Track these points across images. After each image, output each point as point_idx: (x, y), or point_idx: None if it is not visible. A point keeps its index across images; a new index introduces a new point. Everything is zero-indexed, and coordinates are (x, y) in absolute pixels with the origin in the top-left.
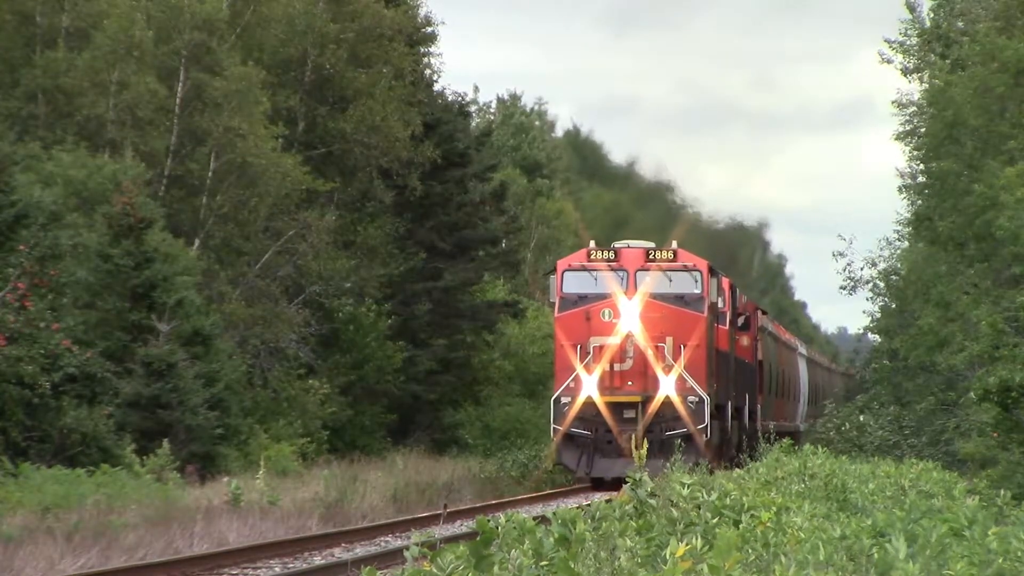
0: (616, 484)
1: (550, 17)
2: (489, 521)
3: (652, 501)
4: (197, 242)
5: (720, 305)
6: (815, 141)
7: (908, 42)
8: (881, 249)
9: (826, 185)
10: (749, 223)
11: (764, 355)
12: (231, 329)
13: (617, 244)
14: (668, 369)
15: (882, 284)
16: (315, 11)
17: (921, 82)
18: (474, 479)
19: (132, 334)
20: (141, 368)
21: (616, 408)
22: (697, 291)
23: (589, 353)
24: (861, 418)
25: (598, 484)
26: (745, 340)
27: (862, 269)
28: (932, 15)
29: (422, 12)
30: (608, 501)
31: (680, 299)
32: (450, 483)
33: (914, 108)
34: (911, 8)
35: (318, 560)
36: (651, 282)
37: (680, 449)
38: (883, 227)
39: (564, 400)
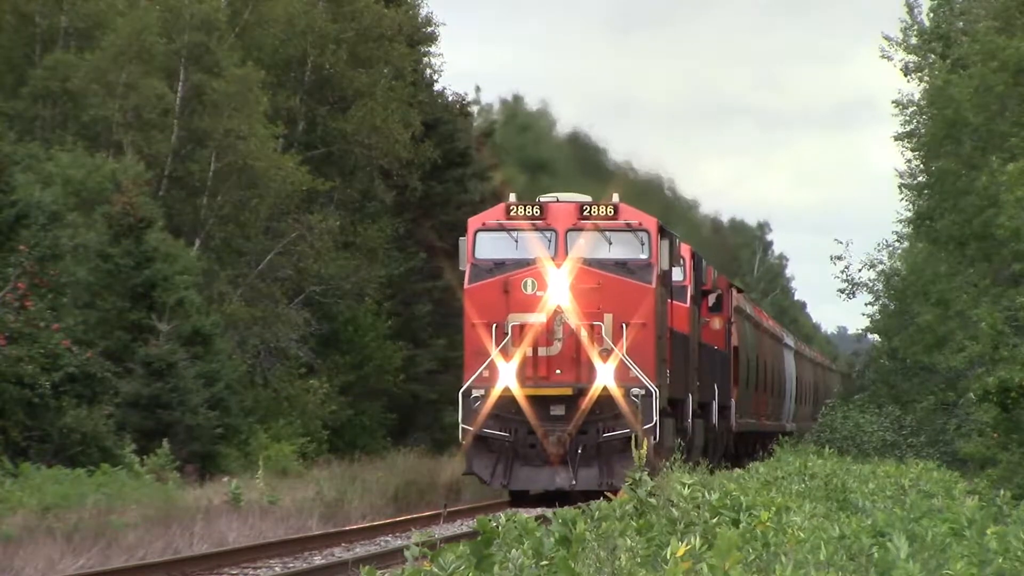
0: (543, 499)
1: (552, 16)
2: (490, 521)
3: (652, 501)
4: (198, 242)
5: (680, 278)
6: (817, 140)
7: (909, 41)
8: (880, 251)
9: (827, 185)
10: (746, 219)
11: (740, 342)
12: (231, 329)
13: (544, 198)
14: (606, 355)
15: (881, 285)
16: (315, 11)
17: (920, 81)
18: (474, 479)
19: (132, 334)
20: (141, 368)
21: (541, 403)
22: (644, 256)
23: (507, 334)
24: (860, 419)
25: (518, 498)
26: (716, 323)
27: (860, 271)
28: (932, 15)
29: (423, 12)
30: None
31: (622, 266)
32: (451, 483)
33: (914, 108)
34: (910, 8)
35: (318, 560)
36: (586, 245)
37: (622, 455)
38: (884, 227)
39: (476, 393)
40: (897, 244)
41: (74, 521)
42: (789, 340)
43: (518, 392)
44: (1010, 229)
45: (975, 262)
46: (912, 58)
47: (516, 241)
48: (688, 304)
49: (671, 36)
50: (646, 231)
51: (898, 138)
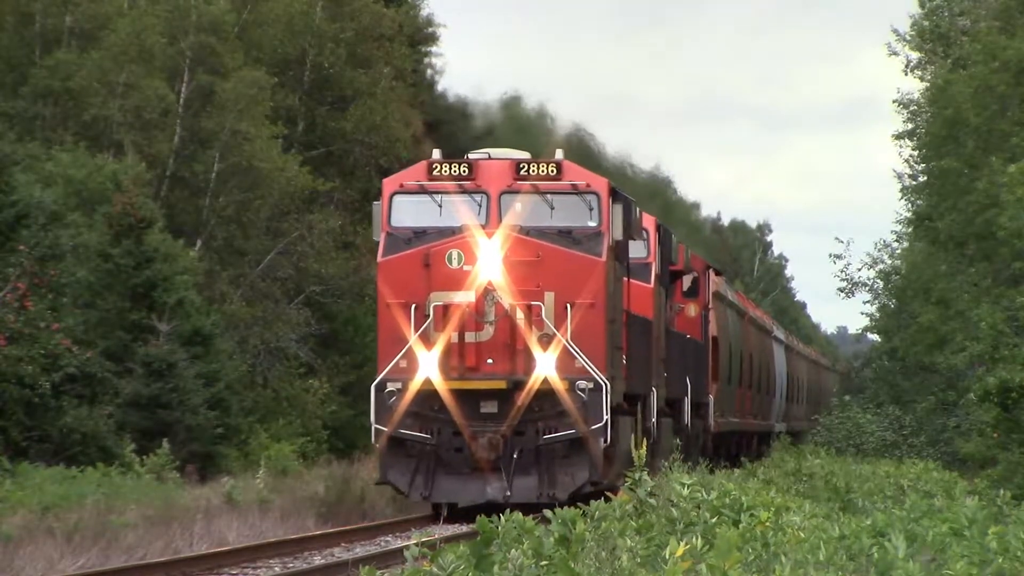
0: (472, 513)
1: (553, 14)
2: (490, 521)
3: (652, 501)
4: (199, 243)
5: (643, 254)
6: (817, 140)
7: (915, 38)
8: (879, 251)
9: (828, 185)
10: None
11: (720, 331)
12: (231, 329)
13: (474, 154)
14: (547, 341)
15: (881, 284)
16: (314, 11)
17: (922, 80)
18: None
19: (132, 334)
20: (141, 368)
21: (468, 399)
22: (592, 224)
23: (428, 317)
24: (860, 419)
25: (445, 512)
26: (692, 309)
27: (859, 271)
28: (933, 15)
29: (424, 13)
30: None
31: (566, 235)
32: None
33: (915, 107)
34: (922, 4)
35: (318, 560)
36: (523, 210)
37: (566, 460)
38: (885, 227)
39: (391, 387)
40: (897, 244)
41: (74, 521)
42: (779, 333)
43: (441, 386)
44: (1011, 229)
45: (975, 262)
46: (917, 55)
47: (440, 206)
48: (652, 284)
49: (671, 36)
50: (595, 193)
51: (898, 137)
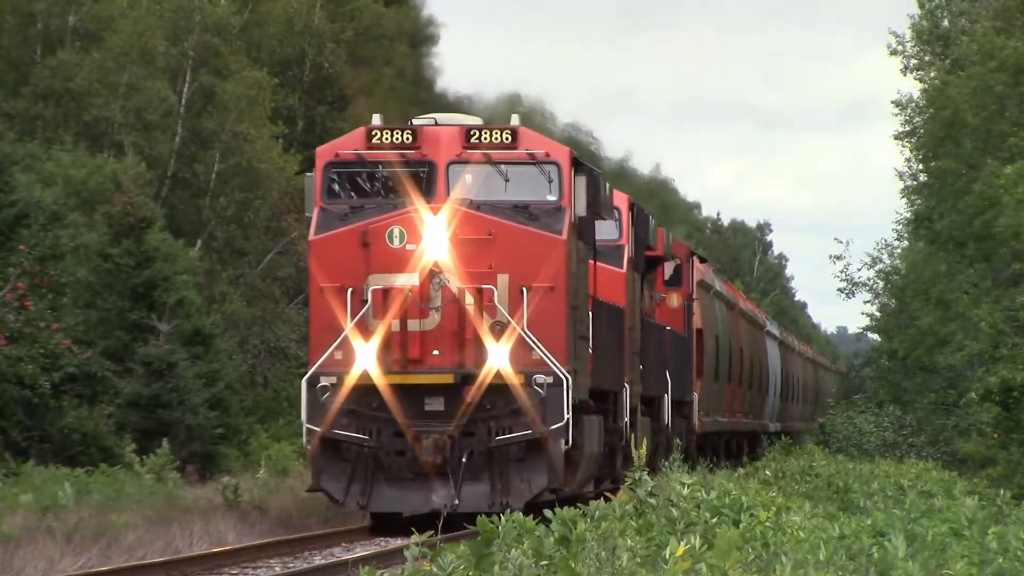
0: (417, 524)
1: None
2: (490, 521)
3: (652, 501)
4: (199, 243)
5: (614, 236)
6: (817, 141)
7: (912, 38)
8: (879, 251)
9: (828, 185)
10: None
11: (706, 324)
12: (231, 329)
13: (418, 120)
14: (500, 329)
15: (881, 283)
16: (314, 11)
17: (920, 81)
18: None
19: (132, 334)
20: (141, 368)
21: (411, 396)
22: (552, 198)
23: (366, 302)
24: (859, 419)
25: (384, 523)
26: (674, 299)
27: (859, 271)
28: (930, 15)
29: (424, 13)
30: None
31: (523, 211)
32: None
33: (914, 106)
34: (921, 4)
35: (318, 560)
36: (474, 182)
37: (521, 465)
38: (885, 227)
39: (324, 382)
40: (896, 244)
41: (74, 521)
42: (773, 328)
43: (380, 380)
44: (1010, 229)
45: (975, 262)
46: (915, 58)
47: (379, 178)
48: (625, 269)
49: (671, 35)
50: (554, 163)
51: (898, 137)
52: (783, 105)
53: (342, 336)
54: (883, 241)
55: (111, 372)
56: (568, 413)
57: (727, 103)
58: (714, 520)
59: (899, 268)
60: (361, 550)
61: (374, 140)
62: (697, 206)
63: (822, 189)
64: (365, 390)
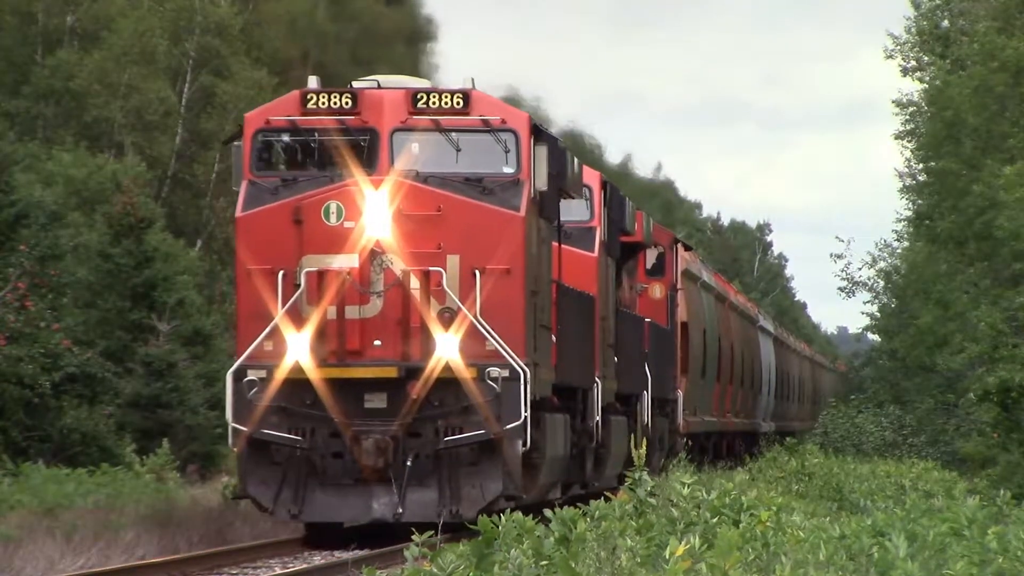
0: (358, 534)
1: (554, 11)
2: (490, 520)
3: (652, 500)
4: (199, 243)
5: (584, 217)
6: (818, 141)
7: (911, 39)
8: (880, 250)
9: (828, 185)
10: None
11: (691, 316)
12: (231, 329)
13: (359, 83)
14: (450, 317)
15: (881, 283)
16: (316, 11)
17: (921, 81)
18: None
19: (132, 334)
20: (141, 368)
21: (350, 391)
22: (508, 170)
23: (299, 287)
24: (859, 419)
25: (320, 534)
26: (656, 290)
27: (860, 270)
28: (930, 15)
29: (424, 12)
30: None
31: (475, 184)
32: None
33: (914, 108)
34: (916, 6)
35: (318, 560)
36: (421, 152)
37: (473, 469)
38: (885, 227)
39: (252, 376)
40: (897, 244)
41: (74, 521)
42: (767, 323)
43: (315, 374)
44: (1010, 229)
45: (975, 262)
46: (913, 60)
47: (315, 147)
48: (596, 254)
49: (672, 36)
50: (511, 131)
51: (898, 137)
52: (784, 105)
53: (272, 324)
54: (883, 241)
55: (111, 372)
56: (526, 411)
57: (728, 103)
58: (714, 520)
59: (899, 268)
60: (361, 550)
61: (309, 105)
62: (698, 206)
63: (822, 189)
64: (298, 385)
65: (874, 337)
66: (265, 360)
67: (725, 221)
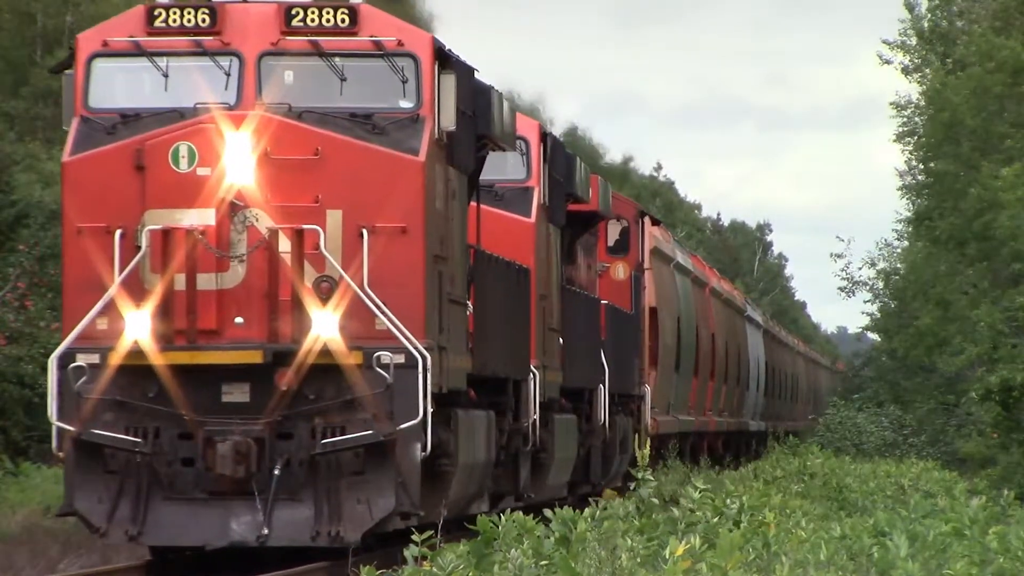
0: (214, 561)
1: (555, 11)
2: (489, 521)
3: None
4: None
5: (520, 176)
6: (818, 141)
7: (908, 41)
8: (880, 249)
9: (828, 185)
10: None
11: (661, 301)
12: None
13: None
14: (329, 288)
15: (881, 284)
16: None
17: (920, 83)
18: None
19: None
20: None
21: (203, 382)
22: (407, 104)
23: (141, 250)
24: (859, 419)
25: (167, 560)
26: (620, 270)
27: (860, 270)
28: (930, 15)
29: (424, 11)
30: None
31: (364, 122)
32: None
33: (912, 108)
34: (910, 8)
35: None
36: (296, 81)
37: (359, 480)
38: (885, 227)
39: (81, 362)
40: (896, 244)
41: (74, 521)
42: (755, 314)
43: (159, 359)
44: (1009, 229)
45: (975, 262)
46: (911, 59)
47: (164, 75)
48: (533, 219)
49: (673, 36)
50: (410, 56)
51: (898, 138)
52: (784, 105)
53: (107, 297)
54: (883, 241)
55: None
56: (424, 406)
57: (728, 103)
58: (715, 520)
59: (898, 268)
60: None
61: (157, 23)
62: (698, 207)
63: (822, 189)
64: (138, 373)
65: (874, 337)
66: (98, 342)
67: (725, 221)
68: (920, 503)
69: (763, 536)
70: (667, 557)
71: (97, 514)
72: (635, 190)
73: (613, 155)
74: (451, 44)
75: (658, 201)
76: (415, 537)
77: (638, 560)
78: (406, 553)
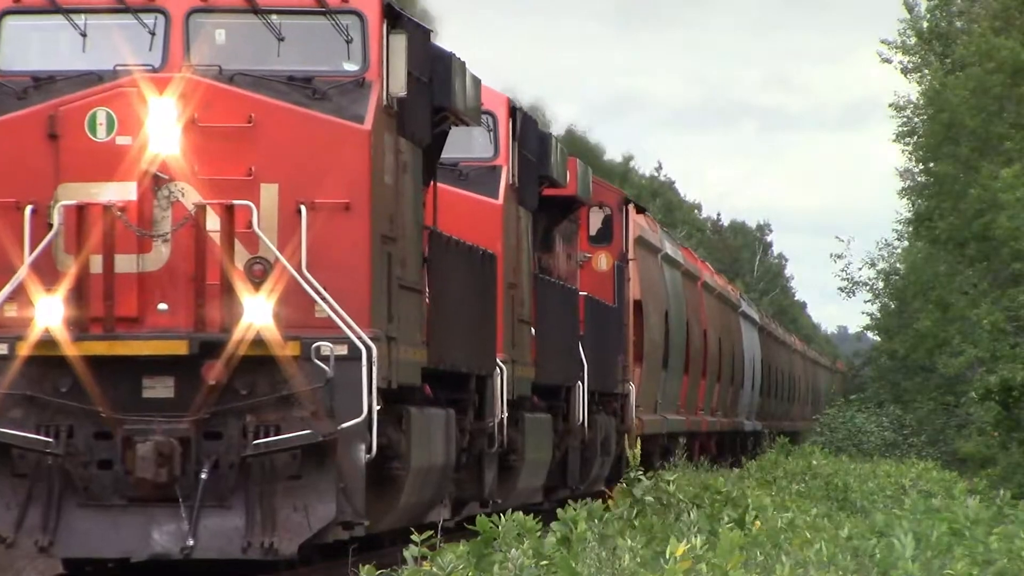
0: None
1: (555, 12)
2: (490, 520)
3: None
4: None
5: (486, 154)
6: (818, 140)
7: (908, 41)
8: (880, 249)
9: (828, 185)
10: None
11: (647, 294)
12: None
13: None
14: (262, 271)
15: (881, 284)
16: None
17: (920, 83)
18: None
19: None
20: None
21: (122, 375)
22: (351, 67)
23: (53, 228)
24: (859, 419)
25: (81, 572)
26: (602, 260)
27: (860, 270)
28: (929, 15)
29: (424, 9)
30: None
31: (303, 86)
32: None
33: (912, 108)
34: (909, 8)
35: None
36: (228, 41)
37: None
38: (885, 227)
39: None
40: (896, 244)
41: None
42: (750, 310)
43: (72, 349)
44: (1009, 229)
45: (974, 263)
46: (911, 60)
47: (83, 35)
48: (501, 200)
49: (673, 35)
50: (355, 13)
51: (898, 138)
52: (784, 105)
53: (15, 280)
54: (883, 241)
55: None
56: (371, 403)
57: (728, 103)
58: (717, 519)
59: (898, 269)
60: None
61: None
62: (698, 207)
63: (822, 189)
64: (49, 365)
65: (874, 336)
66: (6, 330)
67: (725, 221)
68: (917, 502)
69: (765, 536)
70: (667, 557)
71: (3, 522)
72: (635, 190)
73: (613, 155)
74: (451, 44)
75: (658, 201)
76: (415, 537)
77: (638, 560)
78: (406, 553)
